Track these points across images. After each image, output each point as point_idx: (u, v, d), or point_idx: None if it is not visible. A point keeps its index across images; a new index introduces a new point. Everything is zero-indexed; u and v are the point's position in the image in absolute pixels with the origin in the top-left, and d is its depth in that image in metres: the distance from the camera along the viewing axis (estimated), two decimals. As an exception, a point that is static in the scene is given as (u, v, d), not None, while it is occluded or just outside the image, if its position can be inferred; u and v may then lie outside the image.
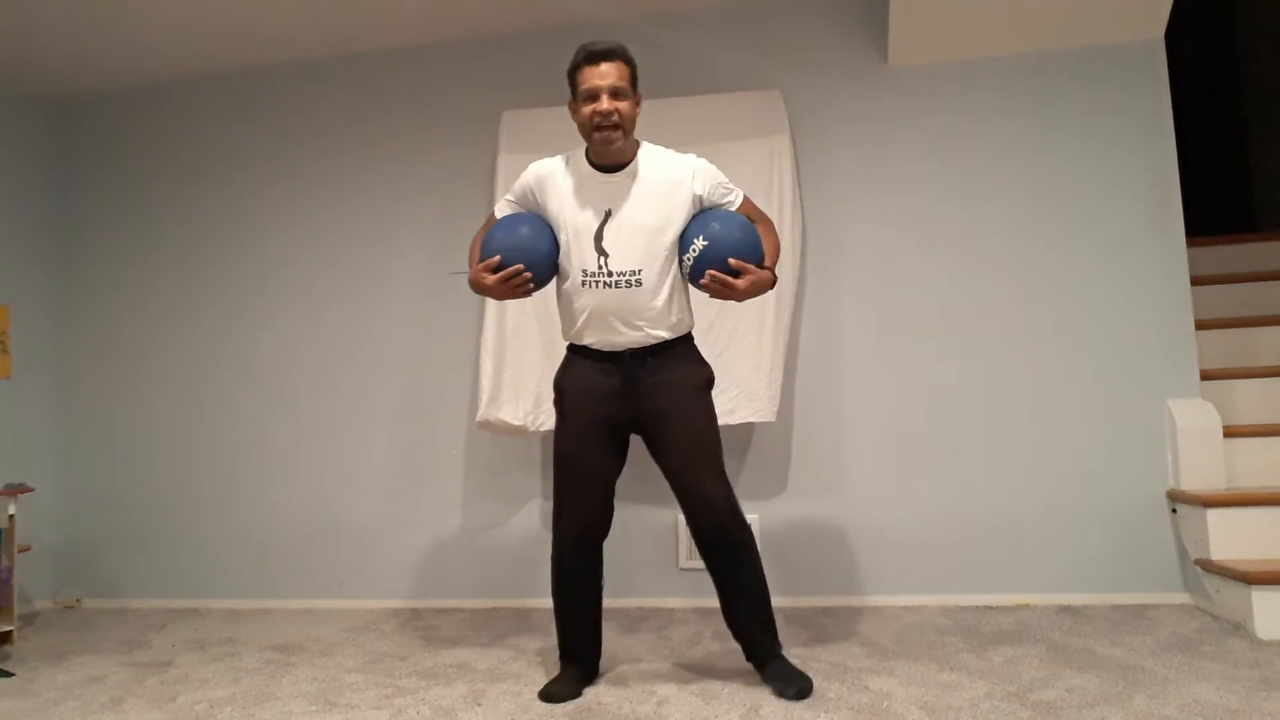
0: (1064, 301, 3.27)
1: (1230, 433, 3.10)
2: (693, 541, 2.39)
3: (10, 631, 3.06)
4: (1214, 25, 5.03)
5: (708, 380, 2.41)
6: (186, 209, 4.02)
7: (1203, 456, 3.06)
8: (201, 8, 3.47)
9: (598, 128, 2.25)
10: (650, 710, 2.19)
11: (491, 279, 2.29)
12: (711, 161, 3.47)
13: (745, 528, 2.34)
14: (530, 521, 3.54)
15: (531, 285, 2.33)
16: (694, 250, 2.27)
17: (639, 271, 2.27)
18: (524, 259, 2.29)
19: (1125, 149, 3.28)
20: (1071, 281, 3.27)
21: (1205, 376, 3.21)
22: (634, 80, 2.33)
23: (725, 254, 2.24)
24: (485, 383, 3.28)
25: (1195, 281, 3.26)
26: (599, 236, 2.29)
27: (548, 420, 3.28)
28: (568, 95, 3.50)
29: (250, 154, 3.99)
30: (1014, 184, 3.34)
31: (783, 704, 2.19)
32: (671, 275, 2.32)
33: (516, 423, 3.27)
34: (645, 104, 3.42)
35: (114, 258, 4.09)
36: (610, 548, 2.46)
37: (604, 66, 2.26)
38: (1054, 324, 3.27)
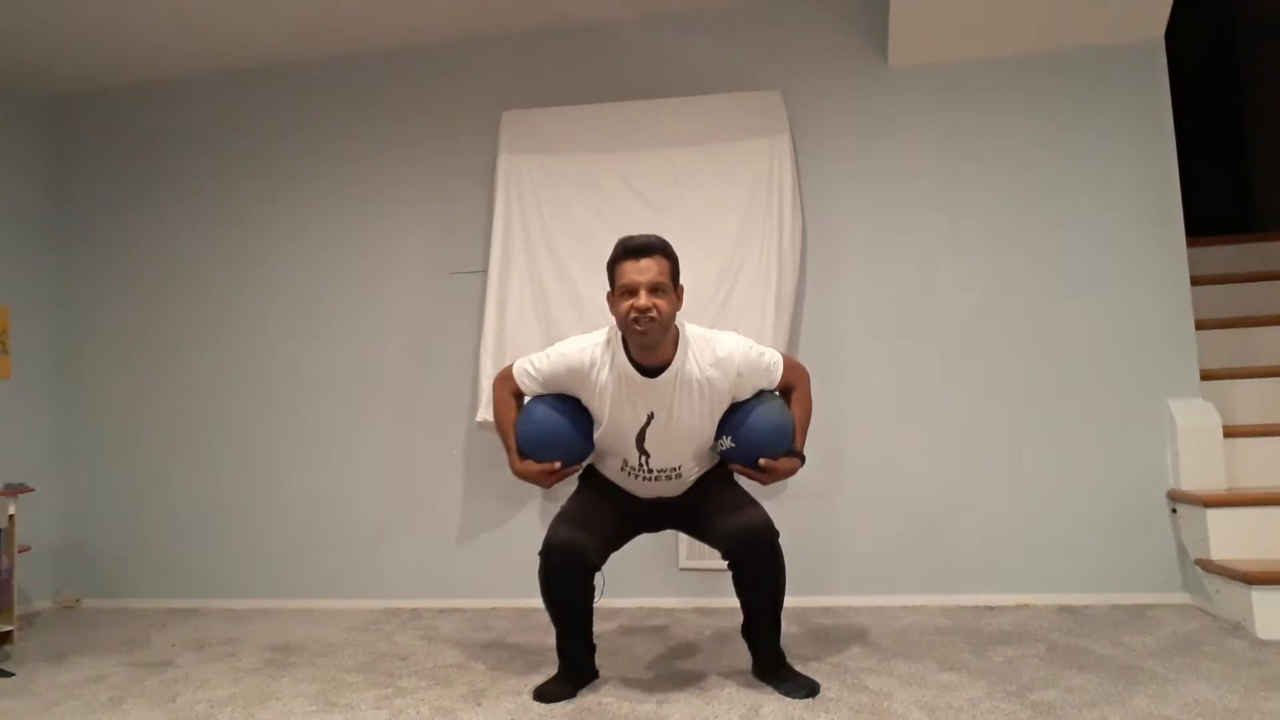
0: (1064, 301, 3.27)
1: (1230, 433, 3.10)
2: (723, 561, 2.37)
3: (10, 631, 3.05)
4: (1214, 25, 5.03)
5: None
6: (186, 209, 4.02)
7: (1203, 456, 3.06)
8: (201, 8, 3.47)
9: (635, 322, 2.17)
10: (650, 710, 2.18)
11: (550, 484, 2.35)
12: (711, 162, 3.46)
13: (777, 535, 2.30)
14: (530, 521, 3.54)
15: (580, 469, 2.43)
16: (724, 445, 2.31)
17: (678, 468, 2.33)
18: (574, 459, 2.33)
19: (1125, 149, 3.27)
20: (1071, 281, 3.27)
21: (1205, 376, 3.21)
22: (675, 275, 2.25)
23: (754, 454, 2.26)
24: (485, 383, 3.28)
25: (1195, 281, 3.26)
26: (640, 438, 2.29)
27: (548, 420, 3.27)
28: (567, 95, 3.57)
29: (250, 154, 3.98)
30: (1014, 184, 3.34)
31: (783, 704, 2.19)
32: (708, 455, 2.38)
33: (517, 423, 3.27)
34: (646, 104, 3.47)
35: (114, 258, 4.08)
36: (610, 547, 2.47)
37: (644, 262, 2.19)
38: (1054, 324, 3.27)
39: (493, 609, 3.45)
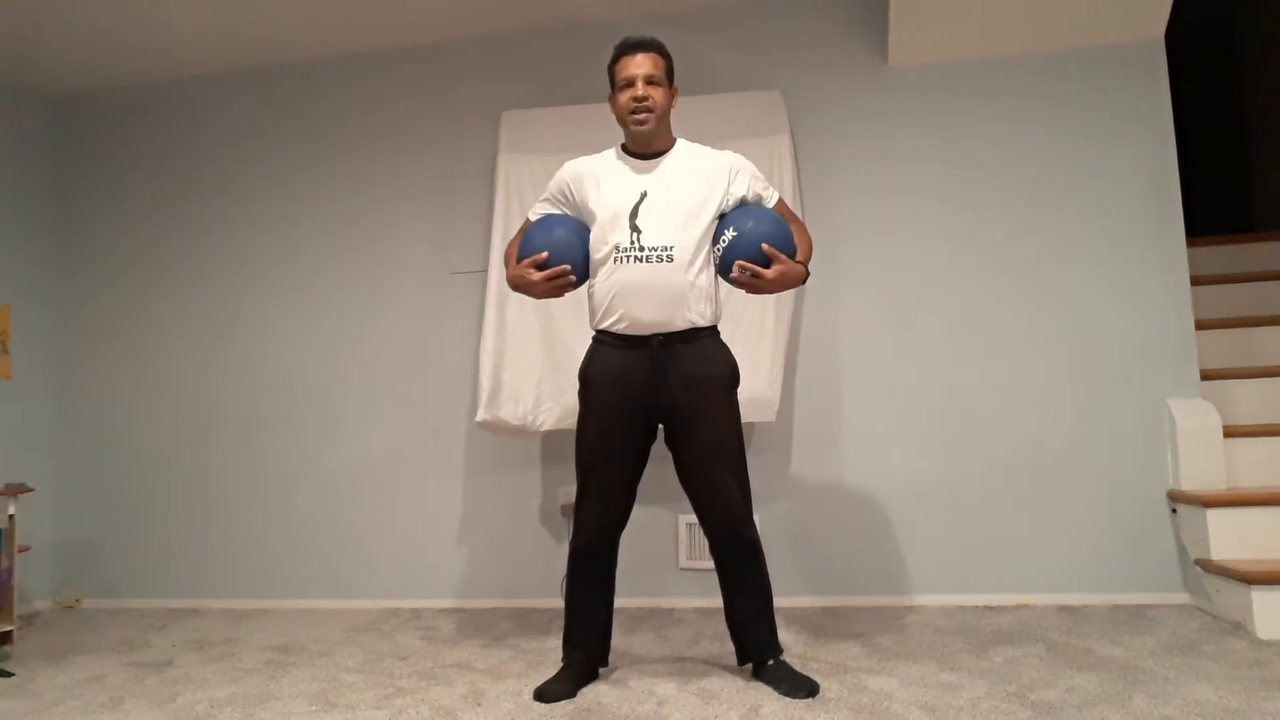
0: (1064, 301, 3.27)
1: (1230, 433, 3.10)
2: (700, 540, 2.39)
3: (10, 631, 3.05)
4: (1214, 25, 5.03)
5: (734, 378, 2.42)
6: (186, 208, 4.02)
7: (1203, 456, 3.06)
8: (202, 8, 3.47)
9: (633, 112, 2.35)
10: (650, 710, 2.18)
11: (537, 276, 2.34)
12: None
13: (753, 527, 2.38)
14: (530, 521, 3.54)
15: (574, 279, 2.38)
16: (724, 241, 2.31)
17: (670, 247, 2.29)
18: (565, 258, 2.34)
19: (1125, 149, 3.27)
20: (1072, 281, 3.27)
21: (1205, 376, 3.21)
22: (670, 73, 2.43)
23: (757, 241, 2.26)
24: (485, 382, 3.28)
25: (1195, 281, 3.26)
26: (633, 214, 2.33)
27: (548, 420, 3.28)
28: (567, 95, 3.56)
29: (250, 154, 3.99)
30: (1014, 184, 3.34)
31: (783, 704, 2.19)
32: (703, 259, 2.34)
33: (516, 422, 3.27)
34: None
35: (114, 258, 4.09)
36: (611, 547, 2.47)
37: (639, 56, 2.38)
38: (1054, 324, 3.27)
39: (493, 609, 3.46)
